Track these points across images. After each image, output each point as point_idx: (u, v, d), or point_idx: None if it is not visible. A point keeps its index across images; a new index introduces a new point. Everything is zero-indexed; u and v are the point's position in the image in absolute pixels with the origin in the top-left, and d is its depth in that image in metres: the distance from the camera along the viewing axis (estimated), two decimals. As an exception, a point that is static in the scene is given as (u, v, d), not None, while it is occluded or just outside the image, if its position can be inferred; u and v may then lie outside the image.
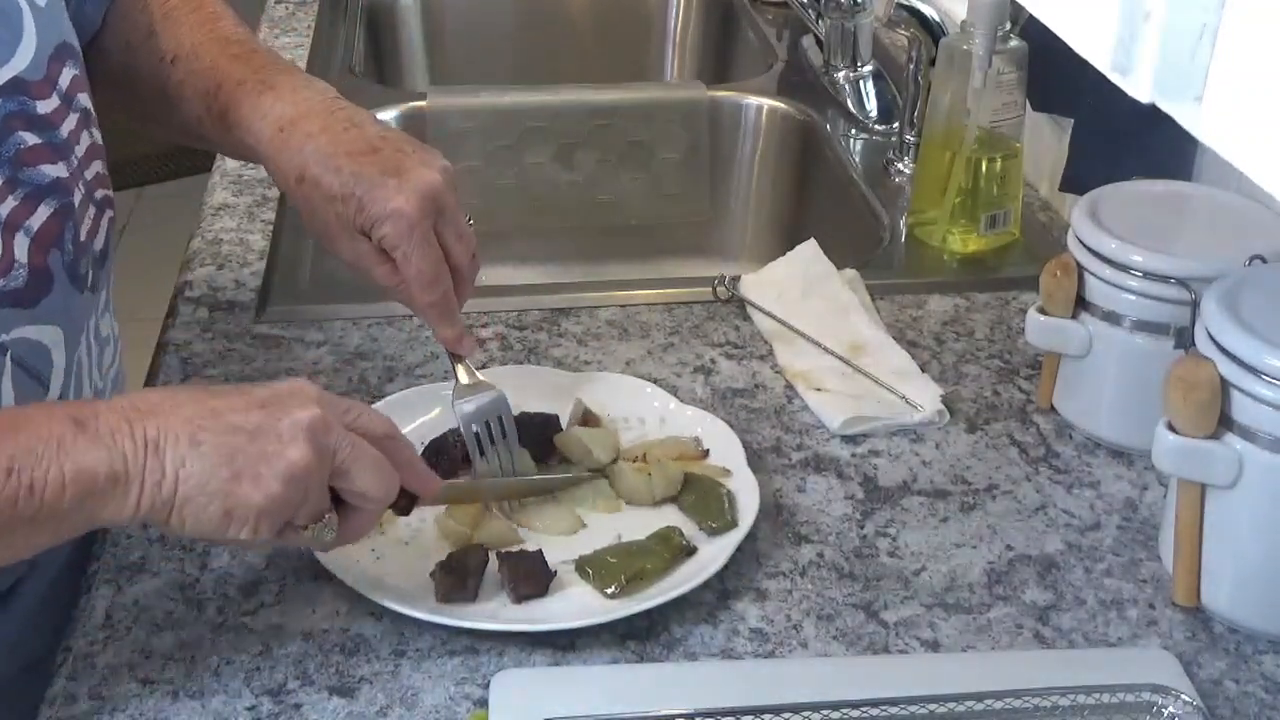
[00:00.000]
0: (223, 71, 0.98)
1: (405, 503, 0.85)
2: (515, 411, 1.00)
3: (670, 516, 0.93)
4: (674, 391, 1.07)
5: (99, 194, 0.93)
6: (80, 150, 0.91)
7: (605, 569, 0.87)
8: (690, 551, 0.89)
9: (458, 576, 0.85)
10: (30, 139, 0.85)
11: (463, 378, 0.97)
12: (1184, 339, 0.94)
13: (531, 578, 0.86)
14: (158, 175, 3.57)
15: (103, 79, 1.02)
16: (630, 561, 0.87)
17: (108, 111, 1.05)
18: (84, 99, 0.92)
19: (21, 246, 0.84)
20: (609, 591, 0.86)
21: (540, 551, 0.88)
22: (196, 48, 1.00)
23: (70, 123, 0.89)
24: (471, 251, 0.96)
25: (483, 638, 0.84)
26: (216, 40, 1.00)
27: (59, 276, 0.86)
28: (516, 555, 0.87)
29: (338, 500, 0.80)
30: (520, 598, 0.86)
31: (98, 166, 0.94)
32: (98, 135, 0.94)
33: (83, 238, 0.89)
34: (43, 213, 0.85)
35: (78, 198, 0.89)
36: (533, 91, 1.61)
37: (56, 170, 0.87)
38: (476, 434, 0.95)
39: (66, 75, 0.90)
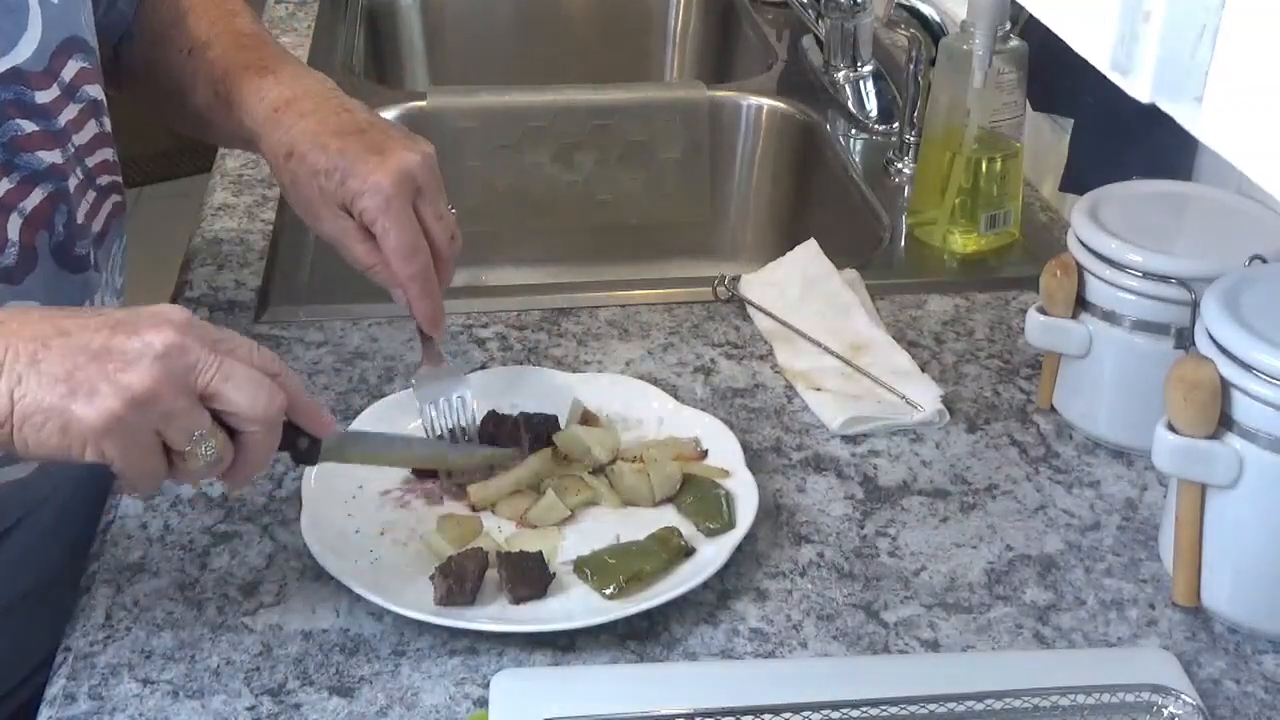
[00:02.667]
0: (230, 59, 1.02)
1: (307, 444, 0.82)
2: (514, 411, 1.00)
3: (669, 517, 0.93)
4: (674, 391, 1.07)
5: (102, 180, 0.97)
6: (82, 138, 0.95)
7: (603, 570, 0.87)
8: (689, 553, 0.89)
9: (456, 580, 0.85)
10: (27, 126, 0.89)
11: (429, 360, 0.99)
12: (1184, 339, 0.94)
13: (530, 579, 0.86)
14: (158, 175, 3.57)
15: (133, 72, 1.09)
16: (629, 562, 0.87)
17: (139, 106, 1.12)
18: (92, 90, 0.96)
19: (14, 226, 0.88)
20: (607, 592, 0.86)
21: (540, 553, 0.88)
22: (211, 40, 1.04)
23: (70, 112, 0.93)
24: (450, 233, 0.97)
25: (483, 638, 0.84)
26: (229, 33, 1.05)
27: (43, 256, 0.90)
28: (516, 556, 0.87)
29: (231, 435, 0.76)
30: (519, 599, 0.86)
31: (105, 154, 0.98)
32: (107, 124, 0.98)
33: (80, 220, 0.93)
34: (36, 196, 0.89)
35: (73, 183, 0.93)
36: (533, 91, 1.61)
37: (52, 156, 0.91)
38: (434, 420, 0.97)
39: (72, 68, 0.93)
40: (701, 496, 0.93)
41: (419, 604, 0.85)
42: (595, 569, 0.87)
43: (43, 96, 0.91)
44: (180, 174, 3.54)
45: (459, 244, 0.98)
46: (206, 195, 1.37)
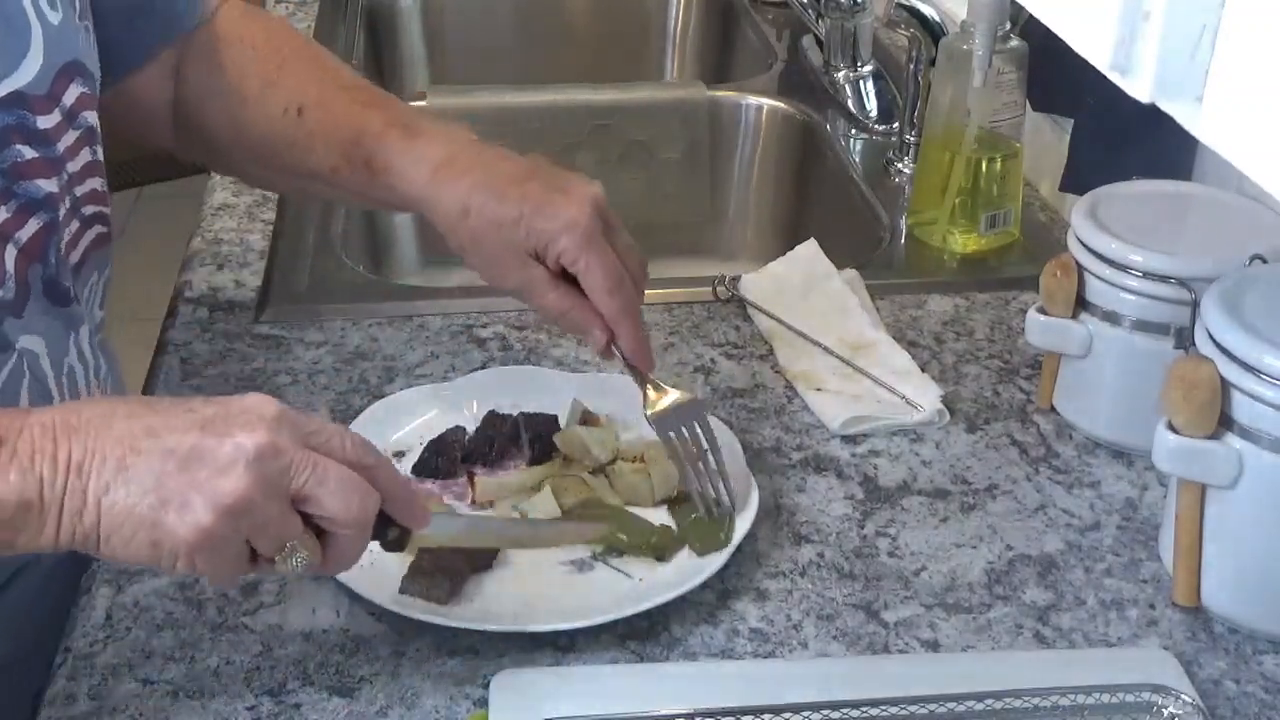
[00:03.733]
0: (360, 120, 0.98)
1: (397, 534, 0.79)
2: (514, 412, 1.00)
3: (667, 518, 0.93)
4: (674, 391, 1.07)
5: (88, 210, 0.92)
6: (75, 166, 0.90)
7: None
8: (660, 555, 0.90)
9: (429, 575, 0.85)
10: (28, 153, 0.85)
11: (653, 393, 0.94)
12: (1184, 339, 0.94)
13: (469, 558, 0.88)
14: (158, 175, 3.57)
15: (190, 123, 1.04)
16: (623, 528, 0.90)
17: (182, 153, 1.08)
18: (89, 117, 0.91)
19: (10, 258, 0.84)
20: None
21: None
22: (324, 99, 1.01)
23: (69, 139, 0.89)
24: (641, 261, 0.95)
25: (483, 638, 0.84)
26: (342, 89, 1.02)
27: (35, 289, 0.86)
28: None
29: (320, 529, 0.74)
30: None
31: (94, 183, 0.93)
32: (99, 153, 0.93)
33: (63, 252, 0.88)
34: (32, 226, 0.85)
35: (62, 212, 0.88)
36: (533, 91, 1.61)
37: (49, 185, 0.86)
38: (678, 438, 0.92)
39: (73, 93, 0.89)
40: (700, 516, 0.91)
41: (419, 604, 0.85)
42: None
43: (44, 122, 0.86)
44: (180, 174, 3.54)
45: (648, 270, 0.96)
46: (206, 195, 1.37)
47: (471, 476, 0.96)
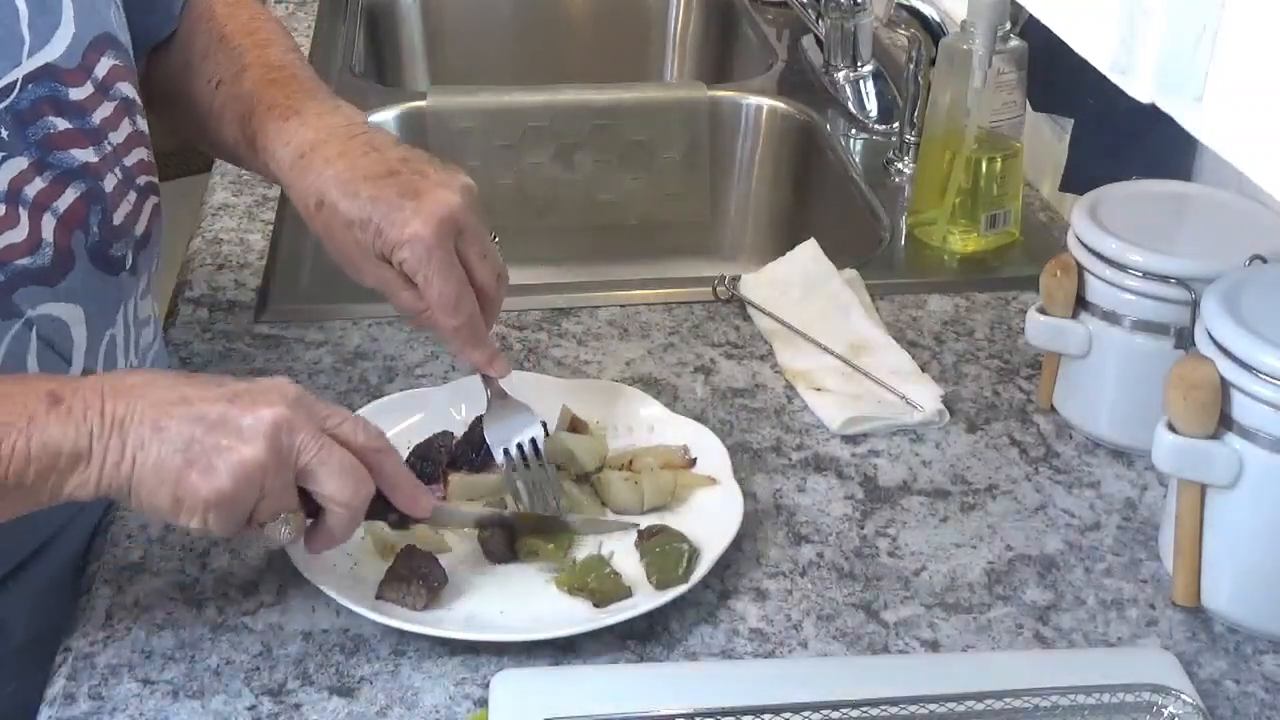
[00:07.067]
0: (257, 97, 0.99)
1: (397, 517, 0.85)
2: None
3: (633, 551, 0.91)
4: (674, 391, 1.07)
5: (141, 180, 0.96)
6: (118, 137, 0.93)
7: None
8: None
9: (405, 582, 0.85)
10: (60, 124, 0.88)
11: (493, 399, 0.95)
12: (1184, 339, 0.94)
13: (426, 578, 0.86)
14: (158, 175, 3.58)
15: (161, 96, 1.06)
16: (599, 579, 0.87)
17: (171, 129, 1.09)
18: (125, 88, 0.94)
19: (48, 226, 0.87)
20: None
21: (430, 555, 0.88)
22: (239, 73, 1.01)
23: (105, 110, 0.92)
24: (497, 272, 0.93)
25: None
26: (260, 65, 1.02)
27: (80, 257, 0.89)
28: (407, 551, 0.87)
29: (317, 507, 0.81)
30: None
31: (141, 153, 0.96)
32: (142, 124, 0.97)
33: (117, 221, 0.92)
34: (70, 195, 0.88)
35: (110, 183, 0.91)
36: (533, 91, 1.61)
37: (86, 155, 0.89)
38: (509, 457, 0.93)
39: (104, 65, 0.92)
40: (665, 549, 0.89)
41: (415, 613, 0.84)
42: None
43: (76, 93, 0.89)
44: (180, 174, 3.54)
45: (507, 280, 0.95)
46: (206, 195, 1.37)
47: (446, 475, 0.96)
